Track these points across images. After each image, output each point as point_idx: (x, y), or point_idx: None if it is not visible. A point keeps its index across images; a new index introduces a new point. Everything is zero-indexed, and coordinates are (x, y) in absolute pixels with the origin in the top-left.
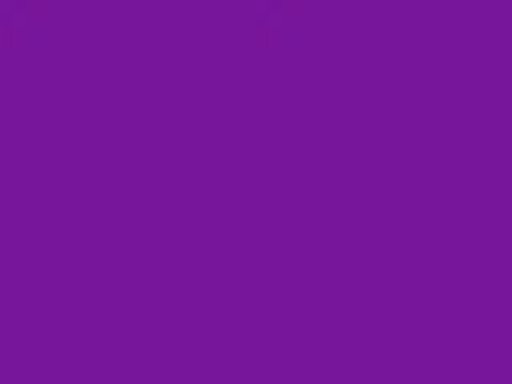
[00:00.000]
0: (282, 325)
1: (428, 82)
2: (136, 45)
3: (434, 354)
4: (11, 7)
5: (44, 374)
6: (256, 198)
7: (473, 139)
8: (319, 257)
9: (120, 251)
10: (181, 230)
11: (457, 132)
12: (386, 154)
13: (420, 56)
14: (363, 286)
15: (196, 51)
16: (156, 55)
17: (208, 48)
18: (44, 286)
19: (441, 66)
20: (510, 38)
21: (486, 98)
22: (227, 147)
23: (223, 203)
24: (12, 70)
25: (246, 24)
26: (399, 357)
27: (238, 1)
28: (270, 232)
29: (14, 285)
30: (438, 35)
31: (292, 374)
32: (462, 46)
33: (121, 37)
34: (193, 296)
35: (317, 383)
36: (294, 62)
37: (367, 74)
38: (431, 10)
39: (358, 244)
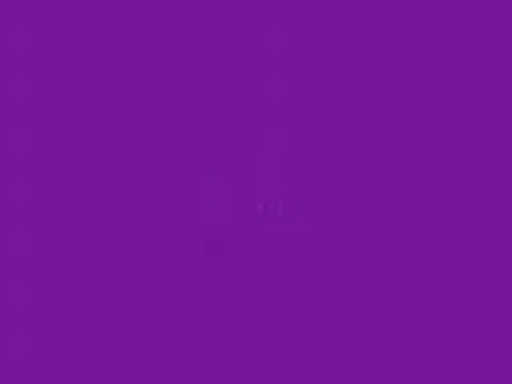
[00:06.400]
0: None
1: (429, 85)
2: (136, 44)
3: (433, 354)
4: (12, 7)
5: (44, 373)
6: (255, 196)
7: (472, 139)
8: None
9: (120, 251)
10: (180, 229)
11: (455, 131)
12: (385, 153)
13: (422, 58)
14: (363, 287)
15: (195, 51)
16: (156, 55)
17: (208, 48)
18: (43, 285)
19: (440, 66)
20: (510, 38)
21: (485, 98)
22: (227, 147)
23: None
24: (12, 69)
25: (245, 24)
26: (399, 357)
27: (238, 1)
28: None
29: (13, 285)
30: (438, 36)
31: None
32: (455, 46)
33: (121, 37)
34: (192, 295)
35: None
36: (294, 62)
37: (367, 74)
38: (432, 10)
39: (357, 241)
